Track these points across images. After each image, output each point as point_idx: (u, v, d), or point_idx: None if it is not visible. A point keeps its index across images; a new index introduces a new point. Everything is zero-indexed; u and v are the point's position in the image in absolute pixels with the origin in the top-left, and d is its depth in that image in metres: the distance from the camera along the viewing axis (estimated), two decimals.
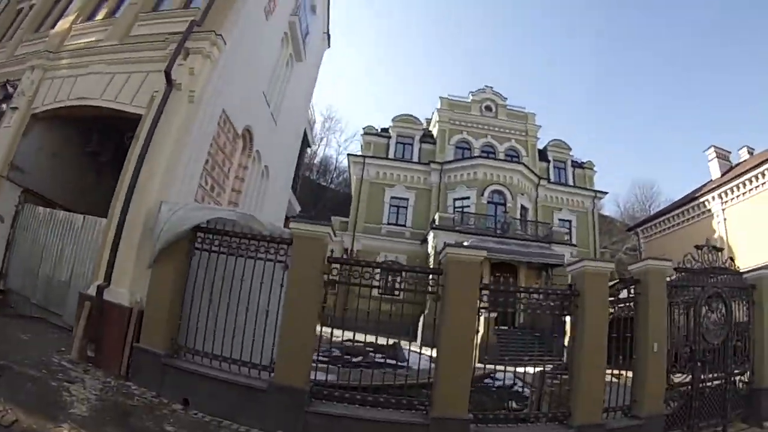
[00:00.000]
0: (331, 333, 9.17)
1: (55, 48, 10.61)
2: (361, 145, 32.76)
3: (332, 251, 6.31)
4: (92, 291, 6.81)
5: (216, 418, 5.51)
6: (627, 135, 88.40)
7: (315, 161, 60.53)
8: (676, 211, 26.07)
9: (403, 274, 6.36)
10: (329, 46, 19.25)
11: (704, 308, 7.08)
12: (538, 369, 8.36)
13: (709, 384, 6.99)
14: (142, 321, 6.37)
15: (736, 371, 7.36)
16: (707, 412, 6.86)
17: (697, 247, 7.62)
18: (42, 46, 10.97)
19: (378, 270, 6.37)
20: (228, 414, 5.58)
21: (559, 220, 30.91)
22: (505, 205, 27.39)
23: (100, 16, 10.83)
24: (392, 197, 29.99)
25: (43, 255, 8.97)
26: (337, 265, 6.14)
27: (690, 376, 6.85)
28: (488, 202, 27.51)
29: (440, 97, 32.77)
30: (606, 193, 34.05)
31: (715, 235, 22.40)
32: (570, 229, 30.93)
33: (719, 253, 7.79)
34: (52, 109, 9.97)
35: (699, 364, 6.89)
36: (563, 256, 23.97)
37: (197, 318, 6.24)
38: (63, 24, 11.14)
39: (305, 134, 19.16)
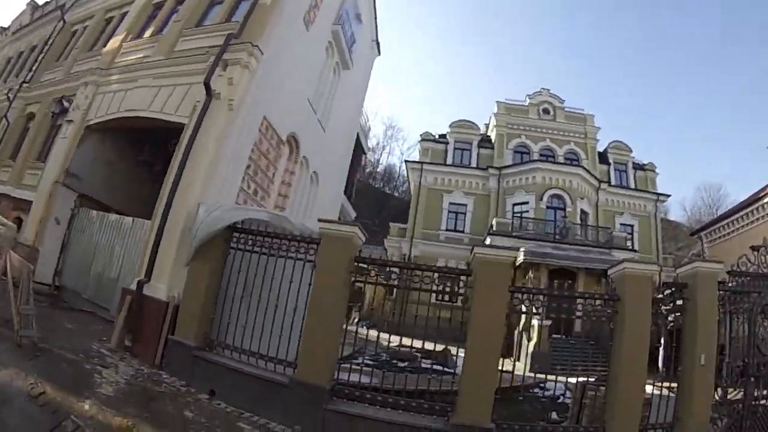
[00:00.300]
0: (388, 338, 9.39)
1: (107, 65, 11.63)
2: (419, 152, 32.95)
3: (360, 252, 6.43)
4: (134, 286, 7.30)
5: (238, 409, 5.82)
6: (693, 135, 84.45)
7: (378, 169, 61.89)
8: (741, 213, 24.24)
9: (435, 275, 6.18)
10: (379, 54, 19.61)
11: (761, 317, 6.39)
12: (581, 379, 7.78)
13: (763, 402, 6.29)
14: (177, 315, 6.78)
15: None
16: None
17: (753, 248, 6.94)
18: (95, 63, 12.11)
19: (409, 270, 6.37)
20: (250, 406, 5.84)
21: (621, 224, 29.65)
22: (564, 209, 26.73)
23: (147, 33, 11.77)
24: (450, 203, 29.98)
25: (95, 254, 9.82)
26: (365, 265, 6.29)
27: (742, 393, 6.20)
28: (547, 207, 26.88)
29: (497, 102, 32.60)
30: (669, 195, 32.29)
31: None
32: (632, 234, 29.72)
33: None
34: (104, 121, 10.94)
35: (752, 379, 6.18)
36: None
37: (230, 314, 6.63)
38: (114, 43, 12.19)
39: (359, 141, 19.54)
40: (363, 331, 8.30)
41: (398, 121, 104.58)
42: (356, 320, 16.91)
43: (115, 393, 5.38)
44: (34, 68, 15.29)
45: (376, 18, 18.64)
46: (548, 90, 33.08)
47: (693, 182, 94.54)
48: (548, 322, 16.47)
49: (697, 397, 5.81)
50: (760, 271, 6.70)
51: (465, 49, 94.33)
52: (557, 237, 24.78)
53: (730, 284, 6.51)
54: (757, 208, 22.73)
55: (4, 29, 21.49)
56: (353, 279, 6.19)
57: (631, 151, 32.60)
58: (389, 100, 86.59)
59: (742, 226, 23.83)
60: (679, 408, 5.96)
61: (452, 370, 9.86)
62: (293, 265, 6.36)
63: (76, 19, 15.57)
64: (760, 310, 6.35)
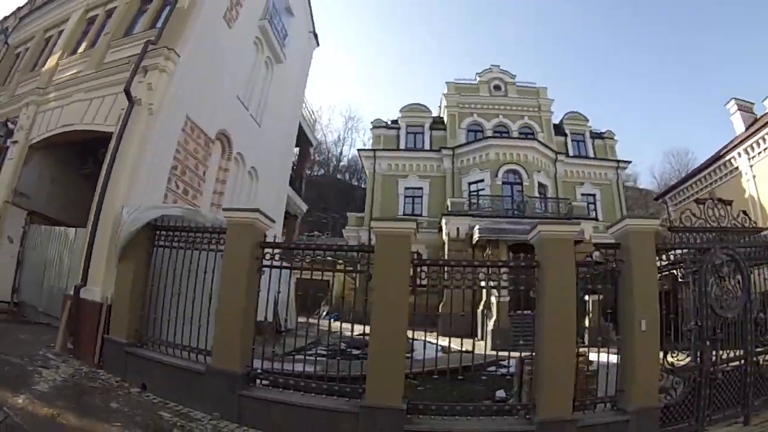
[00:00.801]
0: (351, 327, 9.42)
1: (45, 84, 11.80)
2: (372, 140, 32.89)
3: (265, 236, 6.55)
4: (72, 291, 7.63)
5: (165, 400, 6.05)
6: (656, 104, 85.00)
7: (344, 162, 62.07)
8: (703, 173, 24.46)
9: (346, 254, 6.30)
10: (318, 45, 19.89)
11: (712, 276, 5.88)
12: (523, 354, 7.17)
13: (723, 366, 5.81)
14: (110, 315, 7.09)
15: (758, 349, 6.08)
16: (722, 401, 5.73)
17: (698, 202, 6.40)
18: (35, 83, 12.13)
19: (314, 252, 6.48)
20: (176, 396, 6.05)
21: (582, 194, 29.81)
22: (521, 184, 26.70)
23: (81, 48, 11.91)
24: (406, 188, 29.94)
25: (46, 267, 10.02)
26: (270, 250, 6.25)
27: (697, 359, 5.72)
28: (503, 183, 26.85)
29: (447, 82, 32.57)
30: (629, 162, 32.61)
31: (746, 195, 20.78)
32: (594, 203, 30.02)
33: (728, 207, 6.37)
34: (45, 138, 11.10)
35: (708, 343, 5.73)
36: (582, 231, 23.35)
37: (162, 309, 6.89)
38: (51, 61, 12.37)
39: (304, 133, 19.79)
40: (335, 324, 8.31)
41: (357, 112, 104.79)
42: (324, 313, 16.83)
43: (50, 389, 5.72)
44: None
45: (311, 9, 18.94)
46: (498, 66, 33.09)
47: (663, 148, 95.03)
48: (507, 299, 16.44)
49: (640, 366, 5.46)
50: (708, 226, 6.17)
51: (418, 32, 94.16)
52: (516, 212, 24.74)
53: (671, 242, 6.08)
54: (718, 168, 22.95)
55: None
56: (260, 265, 6.14)
57: (587, 120, 32.75)
58: (350, 92, 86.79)
59: (706, 187, 23.93)
60: (621, 380, 5.61)
61: (408, 355, 10.14)
62: (206, 257, 6.56)
63: (18, 42, 15.56)
64: (711, 267, 5.88)
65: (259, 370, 6.00)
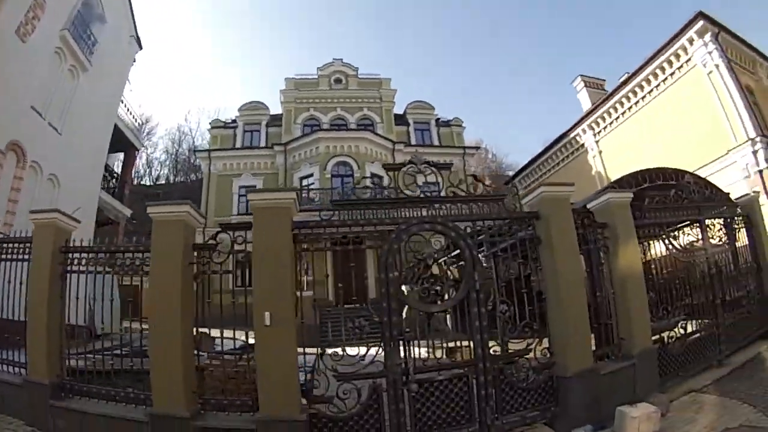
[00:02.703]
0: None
1: None
2: (210, 140, 32.91)
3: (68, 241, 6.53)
4: None
5: None
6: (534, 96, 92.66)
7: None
8: (550, 153, 25.88)
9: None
10: (141, 48, 20.59)
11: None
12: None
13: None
14: None
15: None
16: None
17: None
18: None
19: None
20: (5, 409, 6.24)
21: (424, 183, 30.12)
22: (352, 176, 27.20)
23: None
24: (240, 186, 29.73)
25: None
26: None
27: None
28: (333, 176, 27.45)
29: (285, 78, 32.88)
30: (477, 148, 34.14)
31: (593, 171, 22.23)
32: (438, 191, 31.59)
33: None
34: None
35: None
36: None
37: None
38: None
39: (126, 138, 20.23)
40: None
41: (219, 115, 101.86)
42: None
43: None
44: None
45: (132, 14, 19.55)
46: (341, 59, 33.87)
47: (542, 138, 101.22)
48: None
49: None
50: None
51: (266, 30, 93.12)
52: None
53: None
54: (565, 146, 24.71)
55: None
56: (62, 270, 6.22)
57: (433, 109, 33.88)
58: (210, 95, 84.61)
59: (554, 166, 25.97)
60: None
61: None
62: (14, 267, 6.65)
63: None
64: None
65: (65, 381, 6.05)
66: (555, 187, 6.46)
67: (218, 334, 5.75)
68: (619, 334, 6.60)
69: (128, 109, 20.94)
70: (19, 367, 6.45)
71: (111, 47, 17.53)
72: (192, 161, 47.36)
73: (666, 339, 7.01)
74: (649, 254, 7.76)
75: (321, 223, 5.84)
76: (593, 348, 6.33)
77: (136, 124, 22.92)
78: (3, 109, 11.80)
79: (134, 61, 20.63)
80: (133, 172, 26.81)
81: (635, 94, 19.70)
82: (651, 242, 7.83)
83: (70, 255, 6.37)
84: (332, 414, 5.20)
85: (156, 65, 79.56)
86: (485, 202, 6.67)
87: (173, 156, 51.39)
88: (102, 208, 17.73)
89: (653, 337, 6.77)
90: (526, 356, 5.96)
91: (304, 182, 28.01)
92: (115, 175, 20.74)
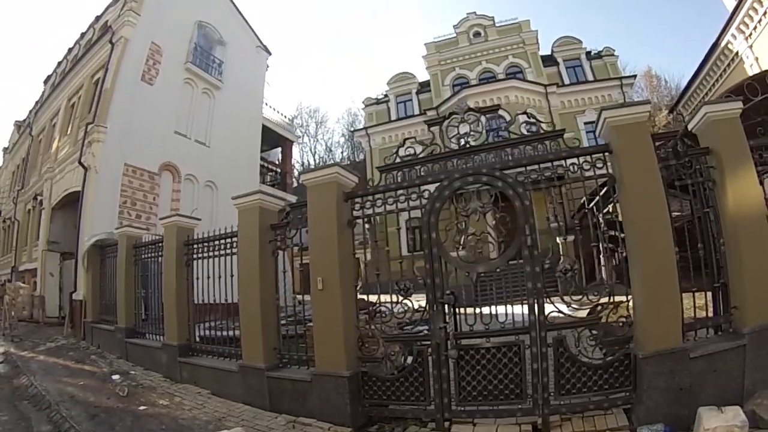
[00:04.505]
0: None
1: (53, 162, 17.19)
2: (365, 118, 34.98)
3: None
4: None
5: (122, 359, 9.60)
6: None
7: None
8: (705, 70, 21.13)
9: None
10: (270, 54, 23.80)
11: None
12: None
13: None
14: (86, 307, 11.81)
15: None
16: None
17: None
18: (49, 163, 17.50)
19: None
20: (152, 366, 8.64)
21: (585, 123, 27.68)
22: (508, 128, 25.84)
23: (69, 131, 17.09)
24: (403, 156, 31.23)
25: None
26: None
27: None
28: (487, 131, 25.74)
29: (425, 44, 33.18)
30: (634, 76, 30.59)
31: None
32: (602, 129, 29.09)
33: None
34: (58, 201, 16.47)
35: None
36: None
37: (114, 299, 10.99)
38: (54, 144, 17.93)
39: (277, 134, 23.95)
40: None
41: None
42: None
43: (44, 350, 10.63)
44: (24, 176, 21.60)
45: (251, 28, 22.70)
46: (474, 13, 33.31)
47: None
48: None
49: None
50: None
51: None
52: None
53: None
54: (718, 60, 19.89)
55: (6, 149, 28.57)
56: (186, 259, 8.09)
57: (581, 42, 31.26)
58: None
59: (714, 83, 20.68)
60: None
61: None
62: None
63: (37, 131, 21.68)
64: None
65: (186, 343, 8.05)
66: (717, 105, 5.11)
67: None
68: (729, 302, 4.95)
69: (274, 109, 24.54)
70: (161, 335, 8.83)
71: (239, 62, 20.79)
72: None
73: None
74: None
75: (368, 190, 6.03)
76: (691, 319, 4.95)
77: (286, 121, 26.27)
78: (149, 141, 15.54)
79: (267, 66, 23.88)
80: (292, 162, 30.28)
81: None
82: None
83: (190, 246, 8.20)
84: (380, 374, 5.50)
85: (314, 59, 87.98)
86: (540, 141, 5.71)
87: (349, 139, 54.85)
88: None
89: None
90: (595, 326, 4.89)
91: (461, 141, 27.95)
92: (272, 169, 24.56)
